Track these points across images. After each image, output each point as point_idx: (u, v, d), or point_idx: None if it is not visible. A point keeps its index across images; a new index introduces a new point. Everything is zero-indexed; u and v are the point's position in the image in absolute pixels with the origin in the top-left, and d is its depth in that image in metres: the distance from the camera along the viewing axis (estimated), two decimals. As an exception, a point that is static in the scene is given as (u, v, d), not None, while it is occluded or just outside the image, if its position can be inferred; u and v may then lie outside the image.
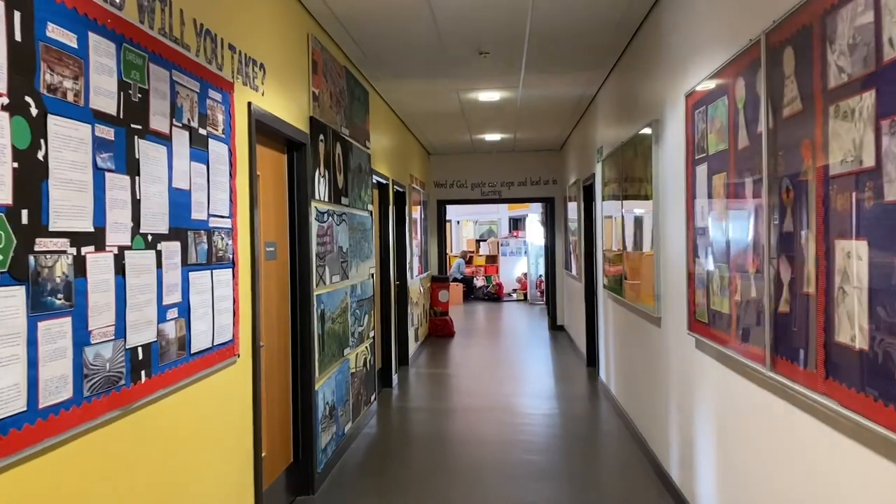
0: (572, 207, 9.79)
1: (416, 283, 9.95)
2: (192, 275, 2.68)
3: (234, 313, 3.12)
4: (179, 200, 2.58)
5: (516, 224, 21.92)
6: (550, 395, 7.12)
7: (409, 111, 8.10)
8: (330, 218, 4.91)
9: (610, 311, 6.64)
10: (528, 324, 13.23)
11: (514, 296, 18.84)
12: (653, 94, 4.67)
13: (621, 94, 5.92)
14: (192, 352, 2.67)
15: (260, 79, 3.61)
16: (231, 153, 3.12)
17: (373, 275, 6.57)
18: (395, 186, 8.04)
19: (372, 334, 6.42)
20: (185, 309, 2.61)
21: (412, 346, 9.30)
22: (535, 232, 17.58)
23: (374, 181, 6.92)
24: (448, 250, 21.24)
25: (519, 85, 6.83)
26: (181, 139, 2.61)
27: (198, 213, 2.74)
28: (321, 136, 4.71)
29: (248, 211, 3.36)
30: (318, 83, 4.68)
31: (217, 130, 2.96)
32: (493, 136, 10.12)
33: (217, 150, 2.95)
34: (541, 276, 16.94)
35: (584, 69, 6.27)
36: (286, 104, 4.06)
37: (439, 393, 7.42)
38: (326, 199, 4.82)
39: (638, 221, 5.06)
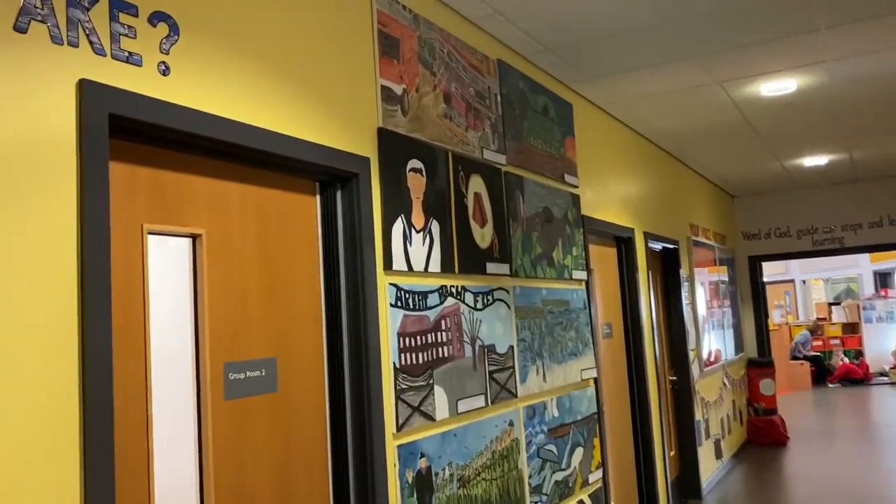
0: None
1: (717, 374, 7.17)
2: None
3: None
4: None
5: (884, 280, 17.11)
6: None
7: (660, 129, 5.66)
8: (449, 299, 2.85)
9: None
10: (905, 423, 9.26)
11: (888, 377, 14.22)
12: None
13: None
14: None
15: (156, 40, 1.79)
16: None
17: (595, 380, 4.25)
18: (649, 242, 5.62)
19: (597, 475, 4.06)
20: None
21: (709, 468, 6.52)
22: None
23: (587, 234, 4.64)
24: (788, 319, 17.22)
25: (828, 58, 4.11)
26: None
27: None
28: (414, 163, 2.73)
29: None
30: (400, 73, 2.73)
31: None
32: (814, 160, 7.09)
33: None
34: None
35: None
36: (306, 103, 2.18)
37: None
38: (438, 270, 2.79)
39: None
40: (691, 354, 6.41)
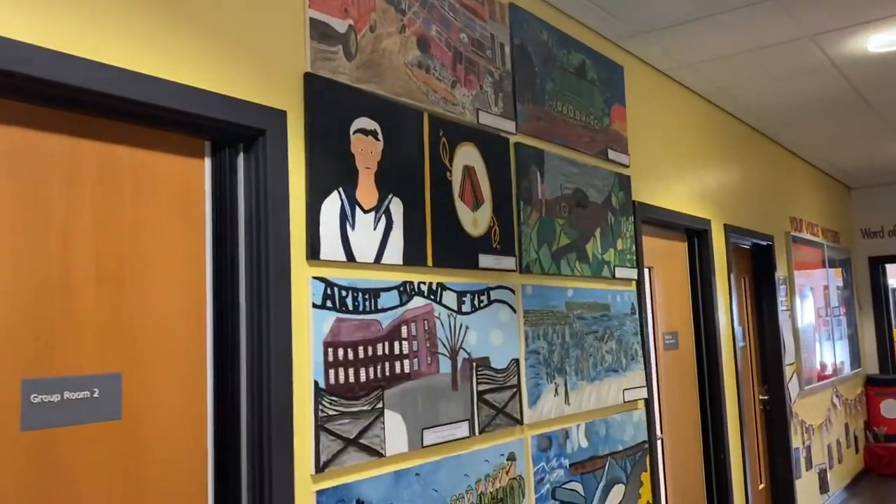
0: None
1: (824, 392, 6.13)
2: None
3: None
4: None
5: None
6: None
7: (745, 101, 4.77)
8: (416, 299, 2.22)
9: None
10: None
11: None
12: None
13: None
14: None
15: None
16: None
17: (647, 401, 3.48)
18: (733, 237, 4.74)
19: (644, 519, 3.31)
20: None
21: (808, 502, 5.53)
22: None
23: (640, 224, 3.88)
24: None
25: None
26: None
27: None
28: (364, 123, 2.12)
29: None
30: (344, 5, 2.12)
31: None
32: (949, 143, 5.92)
33: None
34: None
35: None
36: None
37: None
38: (399, 261, 2.17)
39: None
40: (788, 370, 5.45)
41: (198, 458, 1.73)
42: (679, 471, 3.95)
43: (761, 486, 5.16)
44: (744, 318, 5.17)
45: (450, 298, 2.37)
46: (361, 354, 2.03)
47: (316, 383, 1.89)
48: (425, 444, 2.20)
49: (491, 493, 2.44)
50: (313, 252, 1.92)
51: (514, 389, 2.61)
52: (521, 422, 2.61)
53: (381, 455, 2.05)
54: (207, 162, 1.82)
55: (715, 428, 4.25)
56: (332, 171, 2.00)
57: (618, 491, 3.15)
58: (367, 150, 2.12)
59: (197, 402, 1.73)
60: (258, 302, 1.80)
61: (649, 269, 3.91)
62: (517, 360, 2.64)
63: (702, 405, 4.26)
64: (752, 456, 5.01)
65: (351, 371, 2.00)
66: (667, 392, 3.94)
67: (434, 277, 2.32)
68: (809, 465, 5.75)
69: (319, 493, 1.87)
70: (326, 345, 1.94)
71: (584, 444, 2.97)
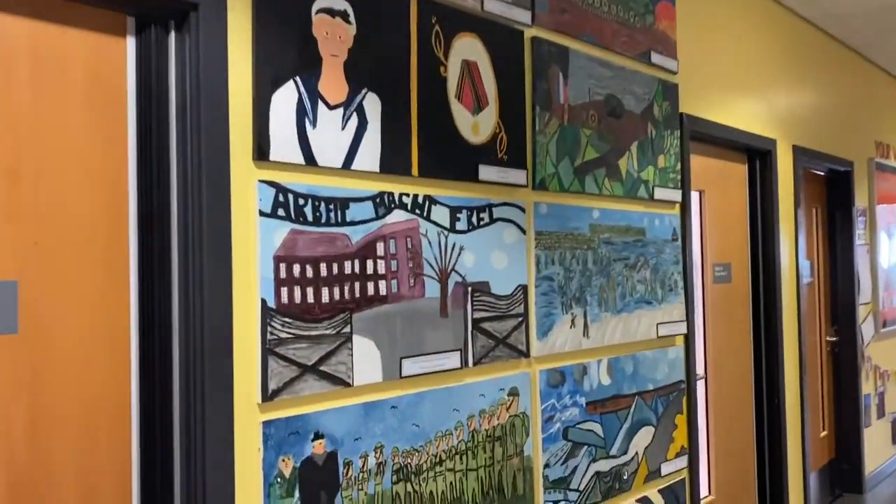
0: None
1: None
2: None
3: None
4: None
5: None
6: None
7: (826, 6, 4.19)
8: (396, 213, 1.94)
9: None
10: None
11: None
12: None
13: None
14: None
15: None
16: None
17: (686, 337, 3.14)
18: (804, 160, 4.23)
19: (676, 464, 3.01)
20: None
21: (879, 455, 5.10)
22: None
23: (688, 139, 3.47)
24: None
25: None
26: None
27: None
28: (330, 1, 1.81)
29: None
30: None
31: None
32: None
33: None
34: None
35: None
36: None
37: None
38: (375, 168, 1.89)
39: None
40: (862, 310, 4.96)
41: (117, 382, 1.53)
42: (724, 414, 3.62)
43: (822, 434, 4.77)
44: (813, 252, 4.69)
45: (440, 214, 2.08)
46: (324, 272, 1.78)
47: (264, 302, 1.66)
48: (405, 374, 1.96)
49: (486, 430, 2.20)
50: (261, 152, 1.66)
51: (520, 319, 2.32)
52: (526, 354, 2.34)
53: (347, 384, 1.82)
54: (131, 42, 1.56)
55: (770, 369, 3.88)
56: (286, 56, 1.71)
57: (645, 433, 2.86)
58: (333, 34, 1.81)
59: (116, 319, 1.53)
60: (191, 207, 1.56)
61: (700, 192, 3.51)
62: (524, 287, 2.34)
63: (755, 345, 3.89)
64: (814, 401, 4.61)
65: (310, 290, 1.75)
66: (714, 329, 3.58)
67: (420, 189, 2.04)
68: (881, 413, 5.30)
69: (267, 423, 1.65)
70: (278, 259, 1.69)
71: (606, 381, 2.68)
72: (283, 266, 1.70)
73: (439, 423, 2.06)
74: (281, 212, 1.70)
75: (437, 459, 2.05)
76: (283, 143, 1.70)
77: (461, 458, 2.11)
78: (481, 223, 2.21)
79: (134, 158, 1.56)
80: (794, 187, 4.12)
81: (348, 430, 1.82)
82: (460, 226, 2.14)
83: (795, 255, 4.12)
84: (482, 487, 2.17)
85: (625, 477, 2.74)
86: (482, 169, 2.20)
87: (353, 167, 1.85)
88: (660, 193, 2.96)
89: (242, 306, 1.63)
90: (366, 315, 1.87)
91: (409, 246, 1.99)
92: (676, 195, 3.06)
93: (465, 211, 2.15)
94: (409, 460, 1.97)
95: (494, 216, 2.25)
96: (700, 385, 3.51)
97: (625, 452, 2.74)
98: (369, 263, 1.89)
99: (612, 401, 2.71)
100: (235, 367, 1.61)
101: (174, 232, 1.57)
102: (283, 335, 1.69)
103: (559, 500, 2.44)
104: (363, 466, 1.85)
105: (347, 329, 1.83)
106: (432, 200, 2.05)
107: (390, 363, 1.93)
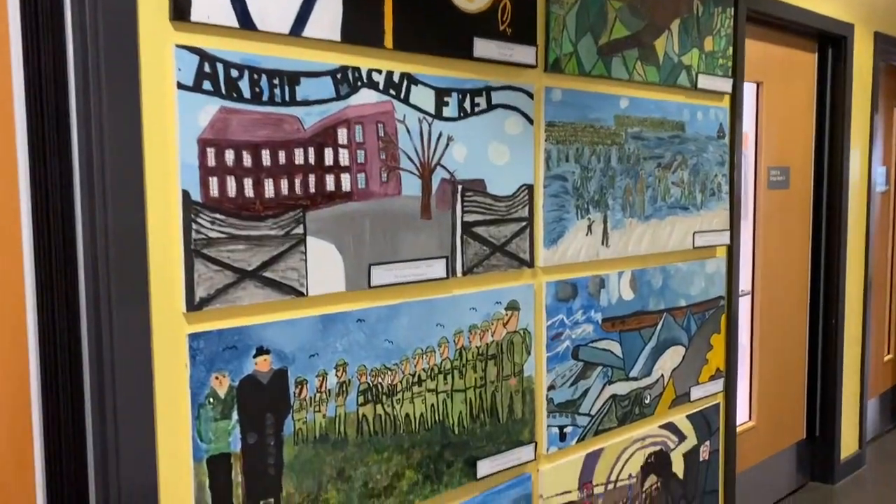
0: None
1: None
2: None
3: None
4: None
5: None
6: None
7: None
8: (363, 93, 1.63)
9: None
10: None
11: None
12: None
13: None
14: None
15: None
16: None
17: (730, 248, 2.78)
18: (886, 49, 3.67)
19: (709, 387, 2.72)
20: None
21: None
22: None
23: (742, 19, 2.98)
24: None
25: None
26: None
27: None
28: None
29: None
30: None
31: None
32: None
33: None
34: None
35: None
36: None
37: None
38: (336, 37, 1.56)
39: None
40: (943, 224, 4.43)
41: (6, 299, 1.30)
42: (772, 335, 3.28)
43: (887, 358, 4.37)
44: (890, 158, 4.17)
45: (423, 96, 1.75)
46: (267, 161, 1.50)
47: (186, 195, 1.39)
48: (375, 284, 1.69)
49: (478, 347, 1.93)
50: (179, 10, 1.35)
51: (524, 223, 2.01)
52: (530, 264, 2.04)
53: (300, 294, 1.56)
54: None
55: (829, 287, 3.49)
56: None
57: (673, 354, 2.56)
58: None
59: (2, 219, 1.28)
60: (91, 80, 1.28)
61: (757, 84, 3.05)
62: (530, 187, 2.02)
63: (814, 259, 3.48)
64: (879, 322, 4.19)
65: (248, 182, 1.47)
66: (766, 239, 3.19)
67: (396, 65, 1.70)
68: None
69: (195, 336, 1.42)
70: (204, 143, 1.41)
71: (629, 296, 2.37)
72: (210, 151, 1.42)
73: (418, 339, 1.79)
74: (207, 85, 1.40)
75: (416, 379, 1.80)
76: (211, 0, 1.39)
77: (445, 379, 1.86)
78: (476, 110, 1.87)
79: (17, 17, 1.28)
80: (873, 82, 3.59)
81: (301, 346, 1.58)
82: (449, 112, 1.81)
83: (868, 160, 3.63)
84: (471, 410, 1.92)
85: (646, 401, 2.46)
86: (478, 43, 1.84)
87: (304, 34, 1.53)
88: (705, 82, 2.54)
89: (159, 199, 1.37)
90: (324, 214, 1.59)
91: (382, 134, 1.68)
92: (726, 85, 2.63)
93: (455, 94, 1.82)
94: (380, 380, 1.73)
95: (493, 102, 1.91)
96: (744, 302, 3.16)
97: (647, 374, 2.46)
98: (328, 153, 1.59)
99: (635, 318, 2.40)
100: (152, 271, 1.36)
101: (73, 111, 1.30)
102: (214, 235, 1.43)
103: (566, 425, 2.19)
104: (321, 386, 1.62)
105: (300, 230, 1.55)
106: (412, 80, 1.73)
107: (356, 271, 1.66)
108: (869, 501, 3.47)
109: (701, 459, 2.73)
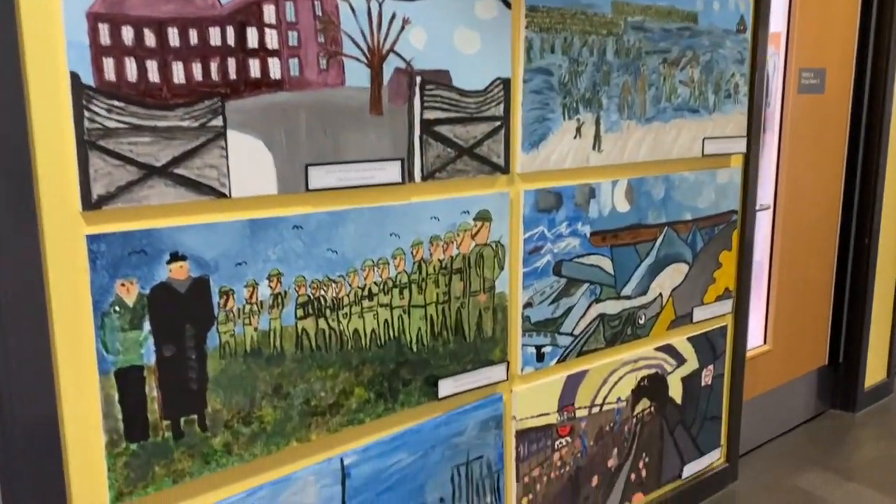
0: None
1: None
2: None
3: None
4: None
5: None
6: None
7: None
8: (294, -34, 1.41)
9: None
10: None
11: None
12: None
13: None
14: None
15: None
16: None
17: (746, 157, 2.51)
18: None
19: (715, 308, 2.52)
20: None
21: None
22: None
23: None
24: None
25: None
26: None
27: None
28: None
29: None
30: None
31: None
32: None
33: None
34: None
35: None
36: None
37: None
38: None
39: None
40: None
41: None
42: (794, 254, 3.03)
43: (926, 282, 4.07)
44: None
45: (371, -30, 1.53)
46: (175, 41, 1.31)
47: (75, 77, 1.22)
48: (313, 187, 1.52)
49: (441, 260, 1.76)
50: None
51: (498, 123, 1.80)
52: (505, 169, 1.84)
53: (221, 195, 1.40)
54: None
55: (863, 204, 3.20)
56: None
57: (674, 272, 2.35)
58: None
59: None
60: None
61: (792, -29, 2.70)
62: (506, 81, 1.79)
63: (849, 172, 3.19)
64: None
65: (151, 64, 1.29)
66: (792, 149, 2.90)
67: (338, -68, 1.48)
68: None
69: (94, 238, 1.27)
70: (95, 17, 1.22)
71: (623, 207, 2.15)
72: (103, 28, 1.23)
73: (368, 249, 1.63)
74: (94, -51, 1.21)
75: (366, 293, 1.64)
76: None
77: (402, 293, 1.70)
78: (439, -11, 1.64)
79: None
80: (933, -28, 3.17)
81: (225, 253, 1.43)
82: (404, -10, 1.58)
83: (920, 62, 3.25)
84: (431, 327, 1.77)
85: (640, 321, 2.28)
86: None
87: None
88: (726, -34, 2.24)
89: (42, 82, 1.20)
90: (248, 104, 1.41)
91: (319, 13, 1.47)
92: (751, -30, 2.32)
93: (412, -30, 1.59)
94: (323, 292, 1.58)
95: (461, -20, 1.67)
96: (764, 217, 2.91)
97: (643, 293, 2.27)
98: (251, 33, 1.39)
99: (630, 231, 2.19)
100: (39, 164, 1.21)
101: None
102: (112, 124, 1.26)
103: (544, 345, 2.03)
104: (251, 297, 1.48)
105: (218, 121, 1.37)
106: (357, -49, 1.50)
107: (290, 171, 1.48)
108: (889, 428, 3.28)
109: (703, 384, 2.56)
